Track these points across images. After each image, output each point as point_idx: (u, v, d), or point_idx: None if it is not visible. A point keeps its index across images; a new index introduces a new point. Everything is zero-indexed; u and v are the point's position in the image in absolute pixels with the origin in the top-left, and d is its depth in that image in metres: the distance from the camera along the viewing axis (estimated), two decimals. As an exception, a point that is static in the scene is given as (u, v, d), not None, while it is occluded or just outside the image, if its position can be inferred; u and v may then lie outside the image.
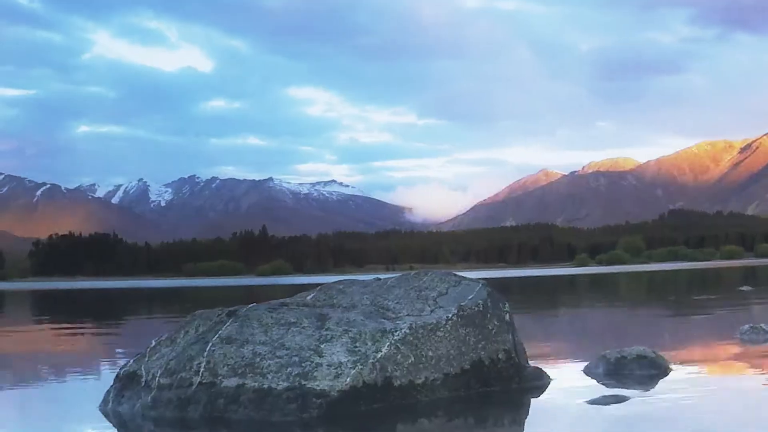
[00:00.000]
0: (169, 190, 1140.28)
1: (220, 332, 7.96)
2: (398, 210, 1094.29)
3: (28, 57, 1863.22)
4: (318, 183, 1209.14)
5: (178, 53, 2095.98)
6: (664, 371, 9.23)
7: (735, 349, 11.53)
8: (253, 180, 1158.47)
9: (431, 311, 8.34)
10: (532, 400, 8.01)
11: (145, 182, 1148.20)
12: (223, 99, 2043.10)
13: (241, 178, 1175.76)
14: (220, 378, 7.47)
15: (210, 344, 7.81)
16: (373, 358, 7.55)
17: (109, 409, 7.99)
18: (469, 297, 8.63)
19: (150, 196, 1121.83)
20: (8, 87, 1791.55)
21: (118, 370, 8.57)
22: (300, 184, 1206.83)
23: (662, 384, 8.59)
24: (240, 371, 7.47)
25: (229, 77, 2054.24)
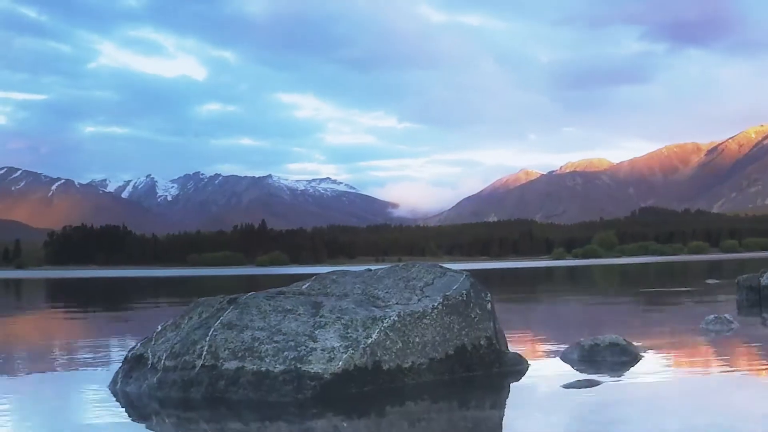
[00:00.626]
0: (175, 185, 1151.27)
1: (221, 318, 7.99)
2: (387, 206, 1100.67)
3: (39, 65, 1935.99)
4: (313, 180, 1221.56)
5: (175, 62, 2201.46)
6: (635, 358, 9.25)
7: (700, 338, 11.58)
8: (253, 177, 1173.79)
9: (418, 300, 8.35)
10: (511, 384, 8.01)
11: (153, 178, 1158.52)
12: (217, 103, 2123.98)
13: (242, 175, 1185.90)
14: (221, 361, 7.50)
15: (212, 329, 7.83)
16: (364, 344, 7.57)
17: (117, 389, 8.01)
18: (454, 287, 8.64)
19: (157, 191, 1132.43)
20: (22, 92, 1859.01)
21: (126, 352, 8.61)
22: (296, 180, 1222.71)
23: (633, 370, 8.61)
24: (240, 355, 7.49)
25: (221, 84, 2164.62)
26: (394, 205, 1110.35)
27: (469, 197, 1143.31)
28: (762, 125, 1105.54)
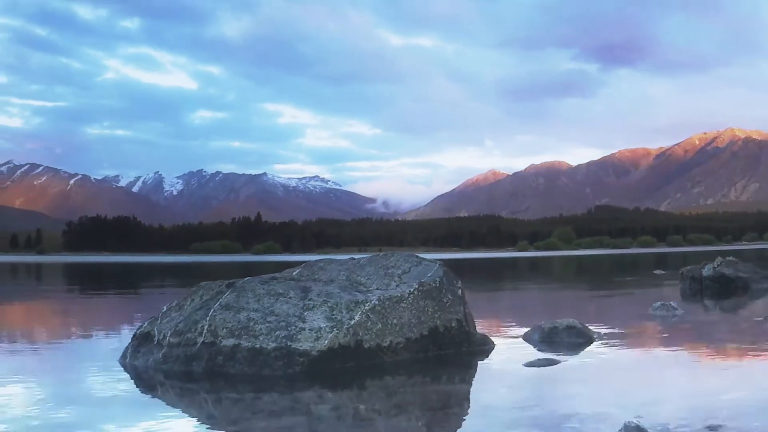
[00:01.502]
0: (180, 181, 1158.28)
1: (220, 300, 8.04)
2: (370, 202, 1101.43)
3: (53, 77, 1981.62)
4: (303, 178, 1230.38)
5: (170, 76, 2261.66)
6: (589, 340, 9.31)
7: (648, 322, 11.64)
8: (250, 174, 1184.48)
9: (396, 286, 8.39)
10: (479, 362, 8.06)
11: (160, 175, 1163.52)
12: (209, 111, 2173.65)
13: (240, 173, 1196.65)
14: (219, 339, 7.58)
15: (212, 310, 7.88)
16: (347, 325, 7.62)
17: (127, 362, 8.11)
18: (428, 275, 8.68)
19: (164, 186, 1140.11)
20: (38, 100, 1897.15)
21: (135, 330, 8.70)
22: (288, 178, 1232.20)
23: (587, 350, 8.68)
24: (236, 333, 7.57)
25: (211, 94, 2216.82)
26: (375, 201, 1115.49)
27: (441, 195, 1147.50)
28: (705, 133, 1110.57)
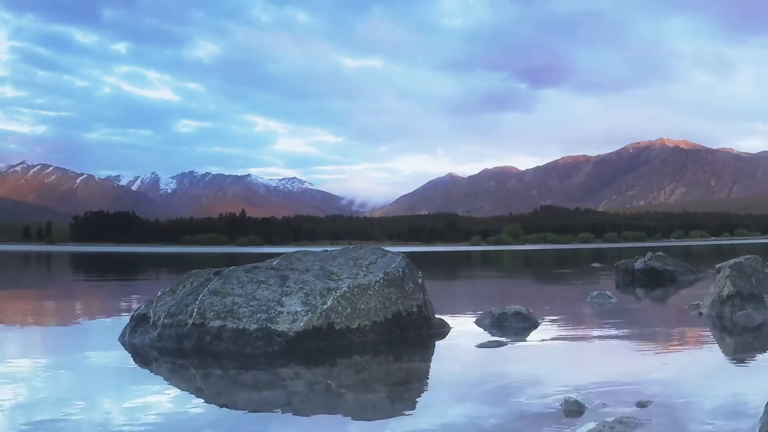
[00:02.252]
0: (174, 181, 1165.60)
1: (208, 286, 8.07)
2: (341, 200, 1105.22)
3: (57, 92, 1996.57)
4: (283, 179, 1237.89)
5: (157, 91, 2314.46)
6: (534, 324, 9.37)
7: (587, 309, 11.70)
8: (236, 175, 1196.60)
9: (364, 275, 8.42)
10: (436, 343, 8.10)
11: (157, 175, 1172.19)
12: (193, 120, 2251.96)
13: (227, 174, 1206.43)
14: (207, 320, 7.61)
15: (201, 295, 7.92)
16: (321, 309, 7.66)
17: (125, 340, 8.14)
18: (392, 266, 8.71)
19: (160, 185, 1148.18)
20: (44, 110, 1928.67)
21: (132, 312, 8.70)
22: (270, 179, 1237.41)
23: (533, 334, 8.73)
24: (222, 315, 7.61)
25: (193, 107, 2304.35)
26: (348, 200, 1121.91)
27: (404, 195, 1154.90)
28: (638, 143, 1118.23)
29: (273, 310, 7.64)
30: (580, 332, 9.16)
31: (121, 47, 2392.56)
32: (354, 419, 4.88)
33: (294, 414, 4.98)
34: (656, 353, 7.43)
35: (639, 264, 18.67)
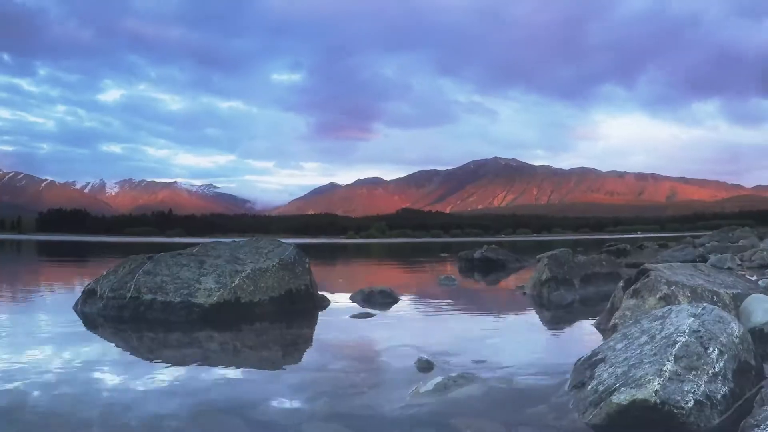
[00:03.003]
0: (117, 186, 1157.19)
1: (143, 268, 8.02)
2: (246, 202, 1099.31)
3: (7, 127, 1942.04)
4: (202, 185, 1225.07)
5: (92, 122, 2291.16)
6: (396, 300, 9.46)
7: (436, 289, 11.76)
8: (166, 182, 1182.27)
9: (264, 261, 8.43)
10: (319, 314, 8.14)
11: (104, 181, 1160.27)
12: (119, 144, 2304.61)
13: (159, 180, 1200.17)
14: (141, 294, 7.58)
15: (137, 275, 7.87)
16: (230, 286, 7.67)
17: (78, 309, 8.06)
18: (286, 253, 8.75)
19: (106, 189, 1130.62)
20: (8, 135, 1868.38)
21: (84, 287, 8.56)
22: (192, 185, 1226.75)
23: (394, 307, 8.82)
24: (153, 291, 7.58)
25: (119, 132, 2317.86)
26: (250, 202, 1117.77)
27: (297, 198, 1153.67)
28: (478, 160, 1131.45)
29: (193, 287, 7.64)
30: (430, 306, 9.22)
31: (55, 93, 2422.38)
32: (255, 370, 5.00)
33: (208, 367, 5.04)
34: (490, 323, 7.57)
35: (477, 254, 18.90)
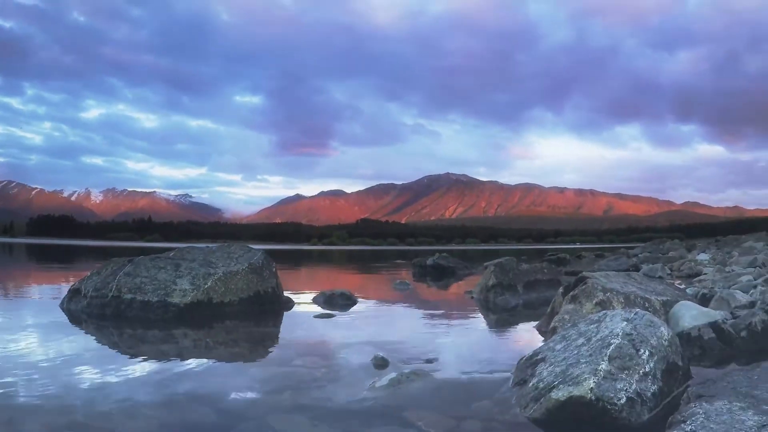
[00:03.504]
0: (101, 195, 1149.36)
1: (124, 270, 7.95)
2: (219, 211, 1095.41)
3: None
4: (179, 195, 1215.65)
5: (78, 138, 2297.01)
6: (354, 302, 9.45)
7: (392, 292, 11.73)
8: (145, 191, 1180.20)
9: (235, 264, 8.41)
10: (285, 314, 8.12)
11: (89, 190, 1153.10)
12: (100, 157, 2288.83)
13: (140, 190, 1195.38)
14: (122, 294, 7.53)
15: (118, 276, 7.81)
16: (203, 288, 7.66)
17: (64, 307, 7.99)
18: (255, 258, 8.72)
19: (91, 197, 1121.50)
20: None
21: (70, 286, 8.48)
22: (169, 194, 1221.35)
23: (353, 308, 8.81)
24: (133, 291, 7.53)
25: (101, 147, 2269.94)
26: (222, 211, 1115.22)
27: (265, 208, 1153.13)
28: (430, 175, 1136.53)
29: (169, 288, 7.59)
30: (386, 308, 9.22)
31: (42, 111, 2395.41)
32: (225, 365, 4.98)
33: (181, 361, 5.03)
34: (440, 324, 7.57)
35: (430, 261, 18.94)
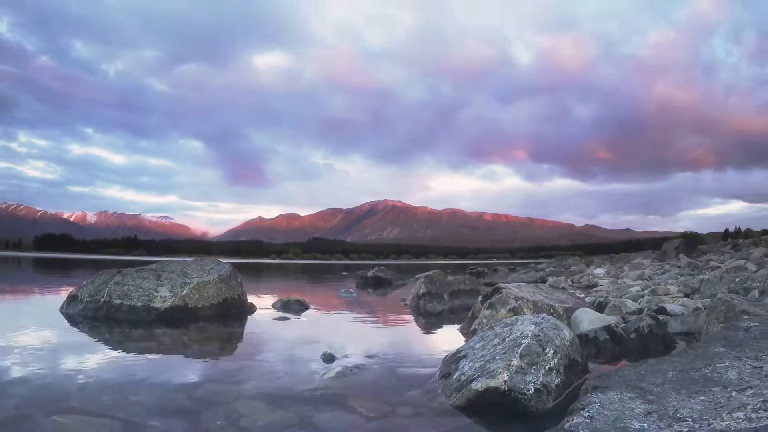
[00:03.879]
0: (95, 216, 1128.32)
1: (114, 279, 7.84)
2: (195, 231, 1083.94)
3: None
4: (161, 216, 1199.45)
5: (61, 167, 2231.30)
6: (306, 307, 9.39)
7: (338, 300, 11.73)
8: (131, 214, 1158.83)
9: (207, 275, 8.33)
10: (248, 317, 8.04)
11: (86, 212, 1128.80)
12: (85, 187, 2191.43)
13: (128, 213, 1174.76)
14: (113, 300, 7.43)
15: (109, 284, 7.69)
16: (180, 294, 7.58)
17: (63, 311, 7.79)
18: (224, 270, 8.65)
19: (87, 218, 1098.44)
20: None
21: (68, 293, 8.29)
22: (152, 215, 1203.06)
23: (305, 313, 8.75)
24: (122, 297, 7.43)
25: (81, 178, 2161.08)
26: (197, 231, 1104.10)
27: (231, 230, 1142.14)
28: (372, 200, 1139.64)
29: (152, 295, 7.49)
30: (333, 313, 9.17)
31: (35, 152, 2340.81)
32: (198, 359, 4.96)
33: (162, 355, 5.01)
34: (379, 326, 7.56)
35: (370, 273, 18.96)
